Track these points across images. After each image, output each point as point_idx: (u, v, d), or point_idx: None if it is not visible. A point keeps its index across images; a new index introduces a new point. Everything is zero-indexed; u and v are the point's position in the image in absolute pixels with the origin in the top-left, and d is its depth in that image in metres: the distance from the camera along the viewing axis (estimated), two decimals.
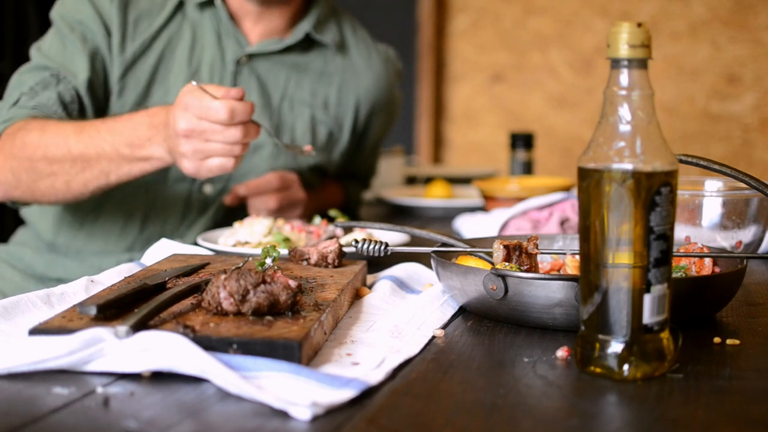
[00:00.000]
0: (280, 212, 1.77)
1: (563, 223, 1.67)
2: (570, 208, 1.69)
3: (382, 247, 1.26)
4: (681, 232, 1.43)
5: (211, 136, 1.40)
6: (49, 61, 1.69)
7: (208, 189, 1.80)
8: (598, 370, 0.91)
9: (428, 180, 2.65)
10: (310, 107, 1.87)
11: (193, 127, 1.40)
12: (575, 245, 1.31)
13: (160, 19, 1.77)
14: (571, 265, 1.23)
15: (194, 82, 1.43)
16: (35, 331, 0.94)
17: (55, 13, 1.76)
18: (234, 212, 1.81)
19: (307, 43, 1.88)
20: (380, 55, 1.99)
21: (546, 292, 1.05)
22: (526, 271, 1.14)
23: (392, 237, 1.57)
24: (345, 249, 1.32)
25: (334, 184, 2.05)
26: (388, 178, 2.51)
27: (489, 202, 2.01)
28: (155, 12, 1.77)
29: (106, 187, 1.57)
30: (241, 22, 1.83)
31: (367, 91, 1.95)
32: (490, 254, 1.22)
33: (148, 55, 1.75)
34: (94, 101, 1.71)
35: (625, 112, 0.89)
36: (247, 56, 1.81)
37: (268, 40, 1.83)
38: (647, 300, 0.89)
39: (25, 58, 1.76)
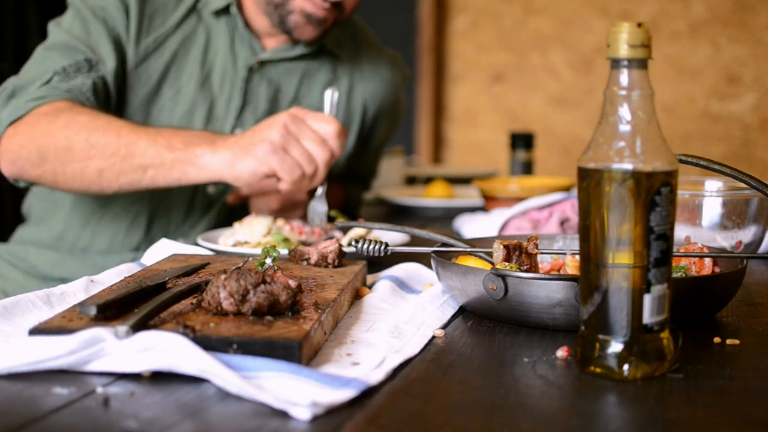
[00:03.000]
0: (281, 213, 1.77)
1: (563, 223, 1.67)
2: (570, 208, 1.69)
3: (382, 247, 1.26)
4: (681, 232, 1.43)
5: (305, 139, 1.48)
6: (74, 39, 1.68)
7: (211, 189, 1.80)
8: (598, 370, 0.91)
9: (428, 180, 2.65)
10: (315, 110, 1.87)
11: (293, 129, 1.47)
12: (575, 245, 1.31)
13: (175, 17, 1.76)
14: (571, 265, 1.23)
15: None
16: (35, 331, 0.94)
17: None
18: (237, 212, 1.81)
19: (318, 48, 1.88)
20: (387, 59, 2.00)
21: (546, 292, 1.05)
22: (526, 271, 1.14)
23: (392, 237, 1.57)
24: (345, 249, 1.32)
25: (335, 184, 2.05)
26: (388, 178, 2.51)
27: (489, 202, 2.01)
28: (170, 9, 1.77)
29: (138, 186, 1.55)
30: (257, 30, 1.82)
31: (374, 95, 1.95)
32: (490, 254, 1.22)
33: (161, 52, 1.75)
34: (117, 91, 1.71)
35: (625, 112, 0.89)
36: (259, 63, 1.81)
37: (281, 46, 1.83)
38: (647, 300, 0.89)
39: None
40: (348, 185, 2.09)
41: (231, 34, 1.80)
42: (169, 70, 1.76)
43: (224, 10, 1.78)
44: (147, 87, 1.74)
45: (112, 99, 1.70)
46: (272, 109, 1.82)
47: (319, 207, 1.62)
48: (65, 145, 1.54)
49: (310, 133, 1.50)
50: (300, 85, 1.85)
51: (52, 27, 1.73)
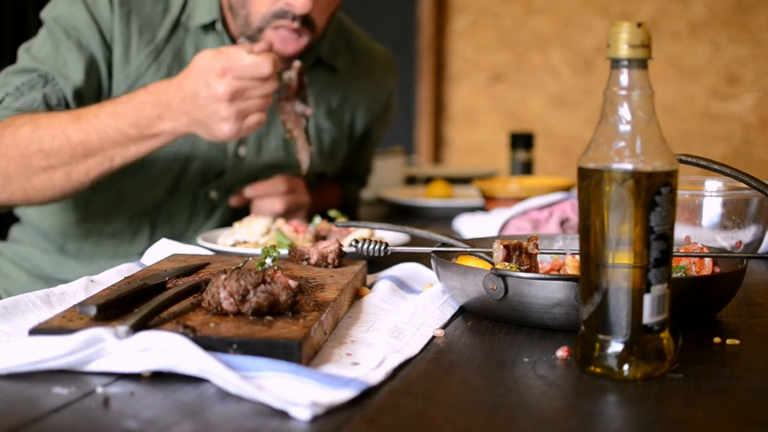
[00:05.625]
0: (285, 216, 1.76)
1: (563, 223, 1.67)
2: (570, 208, 1.69)
3: (382, 247, 1.26)
4: (681, 232, 1.43)
5: (252, 93, 1.41)
6: (39, 63, 1.62)
7: (213, 194, 1.79)
8: (598, 370, 0.91)
9: (428, 180, 2.65)
10: (314, 117, 1.86)
11: (236, 89, 1.40)
12: (575, 245, 1.31)
13: (163, 31, 1.70)
14: (571, 265, 1.23)
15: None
16: (35, 331, 0.94)
17: (47, 15, 1.69)
18: (240, 214, 1.80)
19: (314, 62, 1.85)
20: (379, 59, 1.99)
21: (546, 292, 1.05)
22: (526, 271, 1.14)
23: (392, 237, 1.57)
24: (345, 249, 1.32)
25: (333, 185, 2.06)
26: (388, 178, 2.51)
27: (489, 202, 2.01)
28: (156, 22, 1.70)
29: (109, 172, 1.53)
30: None
31: (368, 96, 1.95)
32: (490, 254, 1.22)
33: (156, 67, 1.70)
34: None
35: (625, 112, 0.89)
36: None
37: None
38: (647, 300, 0.89)
39: None
40: (345, 185, 2.10)
41: (220, 47, 1.75)
42: None
43: (211, 25, 1.73)
44: None
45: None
46: (271, 119, 1.80)
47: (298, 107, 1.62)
48: (21, 162, 1.52)
49: (249, 83, 1.43)
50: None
51: (22, 53, 1.66)
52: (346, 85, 1.91)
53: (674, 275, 1.08)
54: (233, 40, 1.75)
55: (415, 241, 1.56)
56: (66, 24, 1.65)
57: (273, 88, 1.45)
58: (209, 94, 1.42)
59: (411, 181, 2.73)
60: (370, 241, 1.27)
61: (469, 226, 1.82)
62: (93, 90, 1.67)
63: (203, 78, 1.42)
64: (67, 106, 1.62)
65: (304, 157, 1.64)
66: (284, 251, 1.36)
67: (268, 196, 1.76)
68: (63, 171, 1.52)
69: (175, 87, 1.46)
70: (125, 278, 1.17)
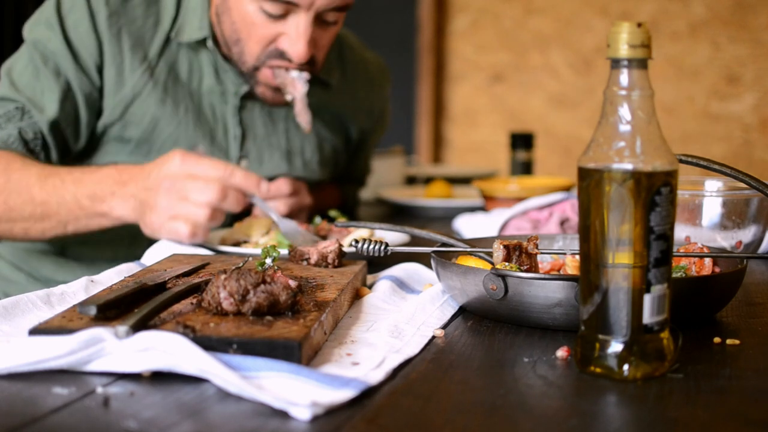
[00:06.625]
0: (287, 217, 1.76)
1: (563, 223, 1.67)
2: (570, 208, 1.69)
3: (382, 247, 1.26)
4: (681, 232, 1.43)
5: (191, 195, 1.40)
6: (17, 93, 1.60)
7: None
8: (598, 370, 0.91)
9: (428, 180, 2.65)
10: (314, 127, 1.86)
11: (177, 184, 1.40)
12: (575, 245, 1.31)
13: (155, 47, 1.67)
14: (571, 265, 1.23)
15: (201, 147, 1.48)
16: (35, 331, 0.94)
17: (27, 34, 1.64)
18: (241, 217, 1.79)
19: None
20: (372, 68, 1.99)
21: (546, 292, 1.05)
22: (526, 271, 1.14)
23: (392, 237, 1.57)
24: (345, 249, 1.32)
25: (332, 186, 2.06)
26: (388, 178, 2.51)
27: (489, 202, 2.01)
28: (147, 38, 1.67)
29: (63, 236, 1.56)
30: None
31: (362, 108, 1.95)
32: (490, 254, 1.22)
33: (153, 86, 1.67)
34: (58, 141, 1.63)
35: (625, 112, 0.89)
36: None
37: None
38: (647, 300, 0.89)
39: None
40: (344, 186, 2.10)
41: (214, 63, 1.72)
42: (164, 103, 1.68)
43: (202, 42, 1.70)
44: (141, 127, 1.68)
45: (51, 147, 1.62)
46: (268, 131, 1.79)
47: (288, 226, 1.53)
48: None
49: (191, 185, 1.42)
50: (290, 105, 1.82)
51: (3, 74, 1.63)
52: (340, 99, 1.90)
53: (674, 275, 1.08)
54: (225, 58, 1.72)
55: (415, 241, 1.56)
56: (44, 49, 1.62)
57: (211, 198, 1.40)
58: (156, 174, 1.42)
59: (411, 181, 2.73)
60: (370, 241, 1.27)
61: (469, 226, 1.82)
62: (70, 119, 1.63)
63: (164, 164, 1.43)
64: (43, 139, 1.61)
65: (304, 118, 1.65)
66: (284, 251, 1.36)
67: (272, 199, 1.76)
68: (21, 226, 1.54)
69: (139, 169, 1.47)
70: (125, 278, 1.17)
